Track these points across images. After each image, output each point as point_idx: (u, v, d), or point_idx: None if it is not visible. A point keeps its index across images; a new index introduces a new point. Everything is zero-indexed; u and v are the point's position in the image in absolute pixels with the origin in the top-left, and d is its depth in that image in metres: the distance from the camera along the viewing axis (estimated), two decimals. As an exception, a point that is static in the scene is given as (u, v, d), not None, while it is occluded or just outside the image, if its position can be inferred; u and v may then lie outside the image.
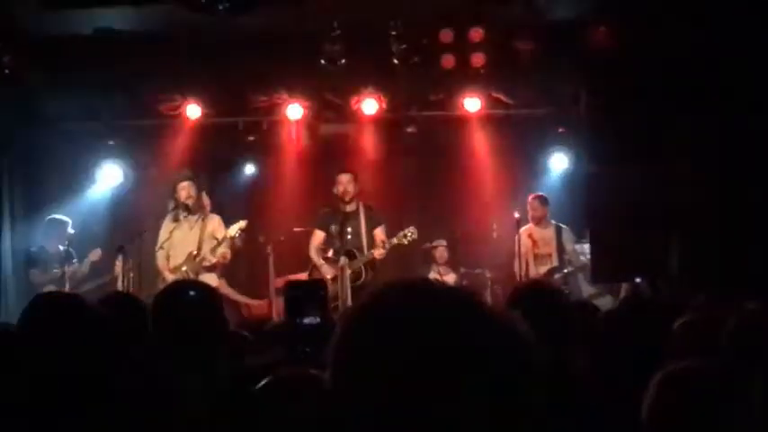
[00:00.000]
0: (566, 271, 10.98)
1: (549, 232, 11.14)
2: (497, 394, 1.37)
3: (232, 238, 10.26)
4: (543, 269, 11.01)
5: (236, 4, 9.30)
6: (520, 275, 10.79)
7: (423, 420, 1.35)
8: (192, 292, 3.73)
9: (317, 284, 9.16)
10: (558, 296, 3.81)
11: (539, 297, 3.61)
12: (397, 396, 1.36)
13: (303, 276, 10.32)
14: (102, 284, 10.60)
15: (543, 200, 11.22)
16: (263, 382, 2.56)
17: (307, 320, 6.10)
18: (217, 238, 10.21)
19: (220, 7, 9.26)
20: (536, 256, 11.04)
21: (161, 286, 9.21)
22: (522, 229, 10.95)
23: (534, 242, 11.05)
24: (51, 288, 10.13)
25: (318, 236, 10.57)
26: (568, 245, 11.10)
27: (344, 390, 1.42)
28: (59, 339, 2.86)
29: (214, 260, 10.15)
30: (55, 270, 10.62)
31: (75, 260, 10.76)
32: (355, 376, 1.41)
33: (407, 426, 1.36)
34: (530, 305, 3.42)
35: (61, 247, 10.67)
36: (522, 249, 10.87)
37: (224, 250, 10.21)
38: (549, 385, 1.42)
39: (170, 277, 9.96)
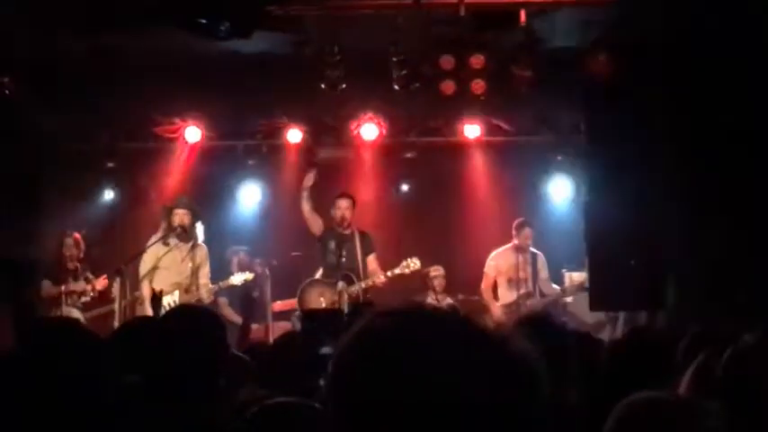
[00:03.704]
0: (539, 298, 11.02)
1: (528, 257, 11.17)
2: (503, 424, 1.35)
3: (233, 287, 10.36)
4: (516, 294, 11.01)
5: (235, 30, 9.29)
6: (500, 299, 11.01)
7: None
8: (195, 319, 3.61)
9: (335, 314, 9.23)
10: (562, 329, 3.77)
11: (542, 328, 3.56)
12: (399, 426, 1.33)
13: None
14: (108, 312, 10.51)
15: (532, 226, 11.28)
16: (252, 411, 2.53)
17: (324, 351, 5.97)
18: (197, 276, 10.24)
19: (221, 29, 9.24)
20: (514, 280, 11.03)
21: (147, 313, 9.25)
22: (504, 251, 11.07)
23: (517, 264, 11.06)
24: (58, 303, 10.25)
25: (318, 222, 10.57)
26: (542, 272, 11.14)
27: (343, 421, 1.39)
28: (57, 366, 2.80)
29: (208, 300, 10.16)
30: (65, 285, 10.58)
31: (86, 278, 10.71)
32: (353, 406, 1.37)
33: None
34: (533, 336, 3.37)
35: (72, 265, 10.68)
36: (496, 272, 11.06)
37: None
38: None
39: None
